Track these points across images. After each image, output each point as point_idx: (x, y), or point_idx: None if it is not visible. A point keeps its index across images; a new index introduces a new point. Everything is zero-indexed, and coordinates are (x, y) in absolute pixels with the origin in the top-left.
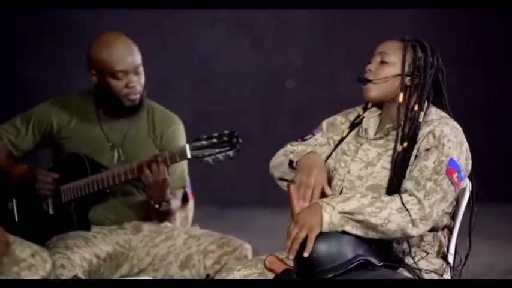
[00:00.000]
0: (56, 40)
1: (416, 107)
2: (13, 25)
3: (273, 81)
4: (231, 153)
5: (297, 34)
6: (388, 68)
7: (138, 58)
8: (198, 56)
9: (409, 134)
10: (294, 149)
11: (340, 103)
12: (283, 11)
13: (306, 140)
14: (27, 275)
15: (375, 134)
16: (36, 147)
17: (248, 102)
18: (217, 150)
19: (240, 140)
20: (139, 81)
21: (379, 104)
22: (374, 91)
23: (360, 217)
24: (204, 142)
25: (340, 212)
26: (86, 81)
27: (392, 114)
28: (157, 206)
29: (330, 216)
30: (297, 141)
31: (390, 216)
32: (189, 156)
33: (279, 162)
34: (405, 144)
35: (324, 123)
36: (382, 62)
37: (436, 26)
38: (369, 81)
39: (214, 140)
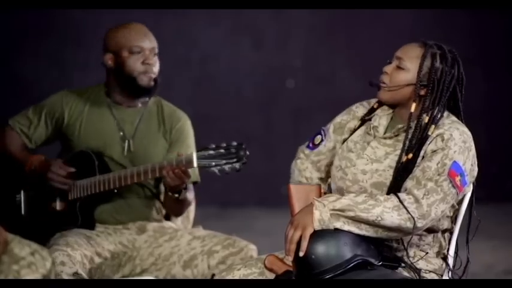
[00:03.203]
0: (56, 40)
1: (426, 119)
2: (13, 25)
3: (273, 81)
4: (237, 165)
5: (297, 34)
6: (403, 75)
7: (154, 43)
8: (198, 56)
9: (415, 146)
10: (305, 167)
11: (340, 103)
12: (283, 11)
13: (316, 145)
14: (27, 273)
15: (385, 133)
16: (48, 139)
17: (248, 102)
18: (223, 162)
19: (247, 152)
20: (155, 64)
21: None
22: (386, 95)
23: (351, 213)
24: (211, 152)
25: (331, 210)
26: (86, 81)
27: (405, 118)
28: (176, 195)
29: (320, 213)
30: (308, 147)
31: (383, 213)
32: (195, 165)
33: (293, 177)
34: (410, 155)
35: (331, 126)
36: (399, 67)
37: (437, 26)
38: (380, 87)
39: (222, 151)
